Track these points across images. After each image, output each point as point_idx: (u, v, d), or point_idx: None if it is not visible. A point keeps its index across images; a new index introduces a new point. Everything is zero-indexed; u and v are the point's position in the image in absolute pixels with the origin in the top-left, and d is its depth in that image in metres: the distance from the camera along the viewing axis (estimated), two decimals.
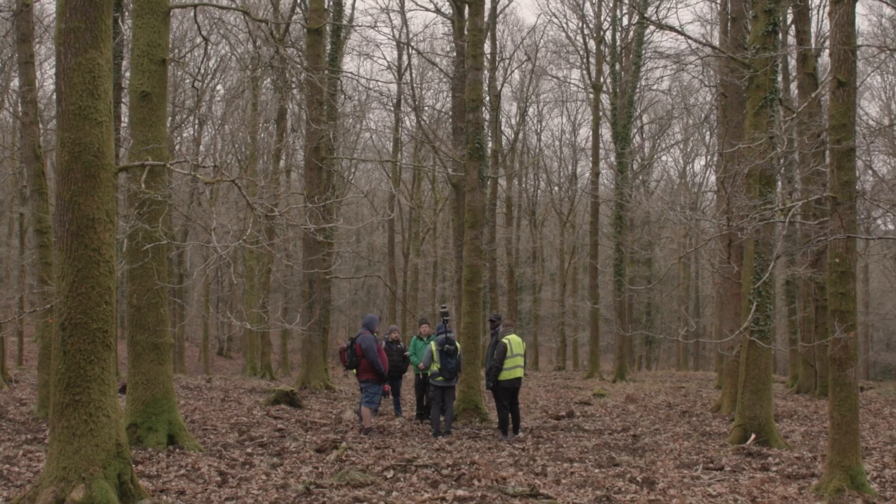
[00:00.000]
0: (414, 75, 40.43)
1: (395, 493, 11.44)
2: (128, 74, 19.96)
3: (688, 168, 44.96)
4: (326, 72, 25.71)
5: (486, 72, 35.80)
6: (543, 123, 67.11)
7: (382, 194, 49.52)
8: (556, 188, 50.06)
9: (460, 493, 11.74)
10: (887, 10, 39.96)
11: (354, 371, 17.97)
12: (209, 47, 37.20)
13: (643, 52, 37.53)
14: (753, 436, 16.32)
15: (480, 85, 20.07)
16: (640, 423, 19.99)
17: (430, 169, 40.01)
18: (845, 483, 11.94)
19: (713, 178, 40.31)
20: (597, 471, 13.60)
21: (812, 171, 14.12)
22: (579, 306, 47.30)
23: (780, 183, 19.11)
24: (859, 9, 71.38)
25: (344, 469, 12.87)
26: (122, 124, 21.60)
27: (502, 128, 43.72)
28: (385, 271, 45.52)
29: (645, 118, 44.21)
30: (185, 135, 41.13)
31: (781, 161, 16.74)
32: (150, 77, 14.80)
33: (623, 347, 36.97)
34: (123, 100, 23.29)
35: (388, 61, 49.98)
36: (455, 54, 31.84)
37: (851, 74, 11.90)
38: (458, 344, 17.87)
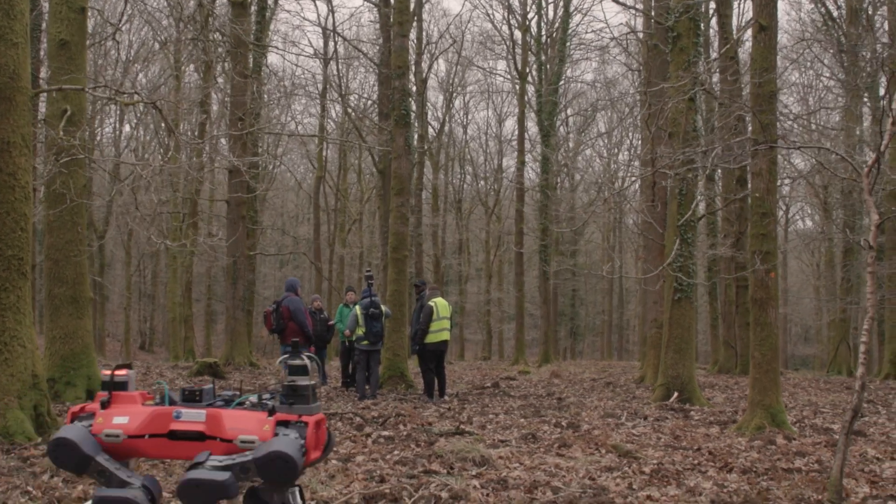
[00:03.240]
0: (340, 64, 40.21)
1: None
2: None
3: (612, 162, 45.22)
4: (251, 45, 25.45)
5: (412, 56, 35.83)
6: (470, 116, 67.23)
7: (308, 187, 49.16)
8: (483, 182, 50.21)
9: (386, 433, 11.67)
10: (807, 6, 40.78)
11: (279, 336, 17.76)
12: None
13: (568, 42, 37.81)
14: (676, 394, 16.50)
15: (406, 52, 20.03)
16: (565, 391, 20.07)
17: (356, 146, 39.78)
18: (766, 420, 12.12)
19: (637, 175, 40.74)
20: (522, 420, 13.65)
21: (735, 117, 14.35)
22: (505, 299, 47.48)
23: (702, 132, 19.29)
24: (780, 5, 72.64)
25: None
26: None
27: (428, 119, 43.73)
28: (308, 265, 45.20)
29: (570, 110, 44.61)
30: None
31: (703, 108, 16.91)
32: (69, 25, 14.50)
33: (548, 337, 37.13)
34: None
35: (314, 48, 49.55)
36: (382, 41, 31.79)
37: (772, 19, 12.09)
38: (383, 308, 17.75)
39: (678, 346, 16.70)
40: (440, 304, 17.35)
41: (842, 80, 32.80)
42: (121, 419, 4.99)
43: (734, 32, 30.36)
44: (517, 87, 39.77)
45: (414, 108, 38.30)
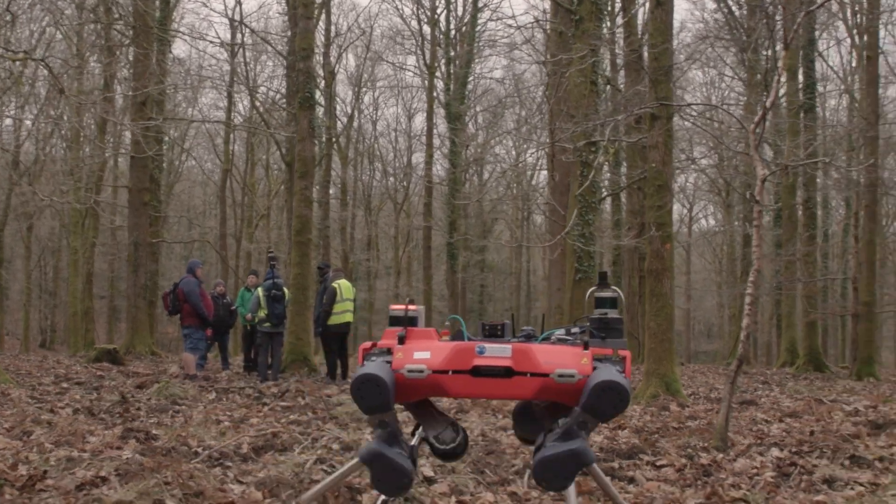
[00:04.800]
0: (248, 56, 39.79)
1: (216, 405, 11.17)
2: None
3: (520, 159, 45.52)
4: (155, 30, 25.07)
5: (320, 48, 35.64)
6: (379, 112, 67.10)
7: (216, 182, 48.52)
8: (392, 178, 50.17)
9: (284, 403, 11.58)
10: (710, 5, 41.55)
11: (179, 317, 17.45)
12: None
13: (477, 38, 38.03)
14: None
15: (311, 35, 19.95)
16: None
17: (264, 140, 39.39)
18: (660, 389, 12.32)
19: (545, 172, 41.06)
20: None
21: (633, 92, 14.54)
22: (414, 295, 47.45)
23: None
24: (681, 4, 73.99)
25: (163, 387, 12.49)
26: None
27: (338, 114, 43.55)
28: (216, 256, 44.63)
29: (479, 107, 44.78)
30: None
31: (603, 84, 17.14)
32: None
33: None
34: None
35: (220, 39, 48.92)
36: (290, 32, 31.56)
37: None
38: (285, 290, 17.59)
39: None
40: (343, 286, 17.25)
41: (743, 79, 33.58)
42: (422, 354, 4.68)
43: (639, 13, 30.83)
44: (426, 82, 39.82)
45: (323, 101, 38.21)
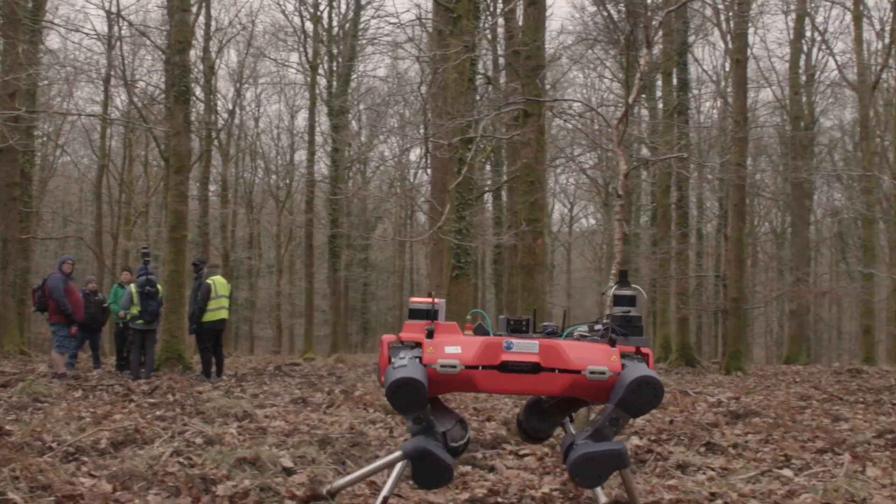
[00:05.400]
0: (125, 50, 38.89)
1: (80, 403, 10.91)
2: None
3: (402, 157, 45.55)
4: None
5: (199, 41, 35.09)
6: (262, 108, 66.18)
7: (92, 178, 47.31)
8: (275, 175, 49.64)
9: (152, 400, 11.37)
10: (589, 8, 42.10)
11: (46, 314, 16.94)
12: None
13: (359, 35, 37.96)
14: None
15: (188, 27, 19.65)
16: (348, 374, 20.07)
17: (142, 136, 38.54)
18: None
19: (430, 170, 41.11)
20: (297, 391, 13.56)
21: (511, 90, 14.69)
22: (296, 294, 47.05)
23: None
24: (564, 7, 75.04)
25: (27, 386, 12.13)
26: None
27: (219, 110, 42.90)
28: (92, 255, 43.52)
29: (363, 105, 44.64)
30: None
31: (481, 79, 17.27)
32: None
33: (337, 329, 37.13)
34: None
35: (97, 32, 47.77)
36: (169, 27, 30.98)
37: None
38: (159, 286, 17.25)
39: (456, 321, 16.94)
40: (218, 282, 17.04)
41: (620, 81, 34.21)
42: (453, 349, 4.68)
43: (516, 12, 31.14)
44: (309, 79, 39.53)
45: (203, 96, 37.64)
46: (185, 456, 6.54)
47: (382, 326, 54.27)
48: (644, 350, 4.89)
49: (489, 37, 28.19)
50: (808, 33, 34.02)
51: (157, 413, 9.74)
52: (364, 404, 10.90)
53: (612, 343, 4.79)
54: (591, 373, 4.63)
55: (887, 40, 30.19)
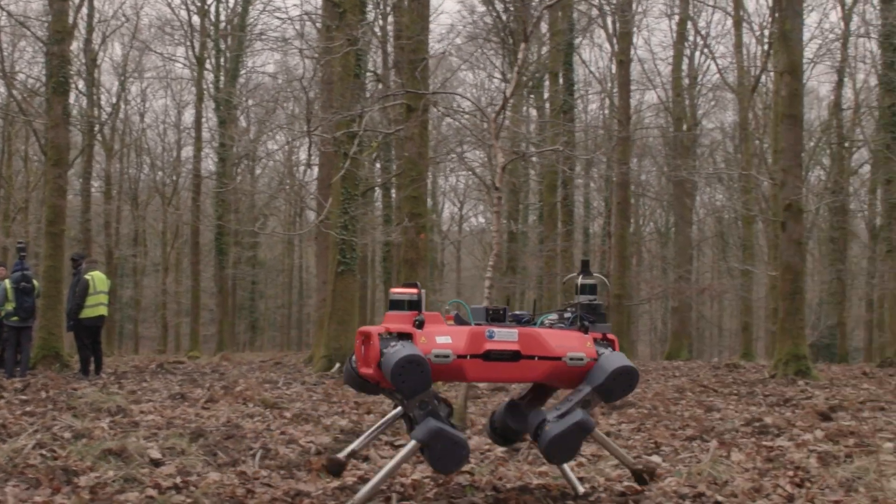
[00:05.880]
0: (5, 41, 37.73)
1: None
2: None
3: (293, 155, 45.15)
4: None
5: (82, 33, 34.27)
6: (147, 104, 64.87)
7: None
8: (161, 172, 48.68)
9: (24, 397, 11.07)
10: (479, 8, 42.32)
11: None
12: None
13: (248, 29, 37.52)
14: (338, 364, 16.65)
15: (66, 17, 19.19)
16: (231, 371, 19.83)
17: (21, 122, 37.39)
18: None
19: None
20: (178, 387, 13.36)
21: (398, 85, 14.70)
22: (182, 293, 46.27)
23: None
24: (453, 6, 75.26)
25: None
26: None
27: (103, 105, 41.91)
28: None
29: (252, 101, 44.10)
30: None
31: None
32: None
33: (224, 327, 36.66)
34: None
35: None
36: (51, 18, 30.16)
37: None
38: (35, 282, 16.76)
39: (341, 317, 16.90)
40: (97, 278, 16.61)
41: (507, 80, 34.50)
42: (444, 339, 4.78)
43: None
44: (196, 74, 38.91)
45: (85, 89, 36.73)
46: (49, 449, 6.38)
47: (271, 325, 53.80)
48: (609, 336, 5.15)
49: (379, 34, 28.25)
50: (691, 37, 34.76)
51: (27, 409, 9.47)
52: (244, 399, 10.79)
53: (585, 330, 5.05)
54: (571, 359, 4.88)
55: (766, 45, 31.07)
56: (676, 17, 32.55)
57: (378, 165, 33.54)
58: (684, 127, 32.37)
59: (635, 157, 33.06)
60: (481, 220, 55.49)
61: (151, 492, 5.10)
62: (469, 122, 26.02)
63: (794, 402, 11.62)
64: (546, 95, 32.44)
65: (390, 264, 33.97)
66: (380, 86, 24.98)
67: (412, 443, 4.81)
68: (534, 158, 25.35)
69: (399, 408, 5.12)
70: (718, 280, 41.81)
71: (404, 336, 4.80)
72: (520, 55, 8.16)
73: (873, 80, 32.88)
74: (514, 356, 4.83)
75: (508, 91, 8.18)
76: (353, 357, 5.19)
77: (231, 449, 6.85)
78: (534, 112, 33.92)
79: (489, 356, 4.80)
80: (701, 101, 37.75)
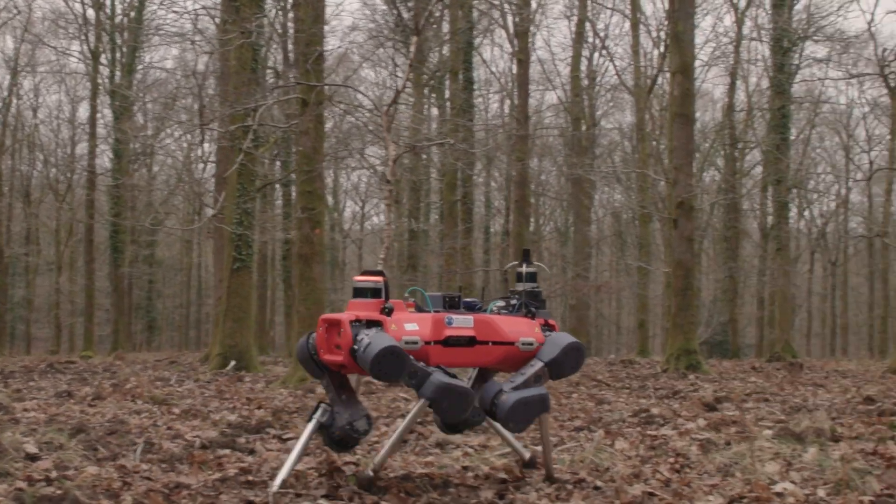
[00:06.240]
0: None
1: None
2: None
3: (192, 153, 44.40)
4: None
5: None
6: (40, 99, 63.22)
7: None
8: (54, 169, 47.47)
9: None
10: (381, 7, 42.12)
11: None
12: None
13: (145, 24, 36.85)
14: (234, 362, 16.48)
15: None
16: (123, 370, 19.47)
17: None
18: None
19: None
20: (65, 385, 13.07)
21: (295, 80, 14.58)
22: (77, 292, 45.22)
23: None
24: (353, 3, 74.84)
25: None
26: None
27: None
28: None
29: (149, 97, 43.27)
30: None
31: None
32: None
33: (119, 327, 35.94)
34: None
35: None
36: None
37: None
38: None
39: (237, 315, 16.72)
40: None
41: (411, 80, 34.48)
42: (411, 325, 4.94)
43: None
44: (91, 69, 38.06)
45: None
46: None
47: (169, 325, 52.98)
48: (550, 322, 5.38)
49: (280, 31, 27.94)
50: (590, 38, 35.14)
51: None
52: (132, 396, 10.60)
53: (532, 316, 5.30)
54: (523, 344, 5.15)
55: (662, 47, 31.63)
56: (575, 18, 32.89)
57: (278, 164, 33.25)
58: (583, 127, 32.79)
59: (535, 157, 33.35)
60: (382, 218, 55.57)
61: (21, 484, 4.97)
62: (368, 119, 26.05)
63: (682, 394, 11.87)
64: (447, 95, 32.53)
65: (290, 262, 33.71)
66: (279, 81, 24.77)
67: (420, 402, 4.97)
68: (434, 157, 25.42)
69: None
70: (616, 278, 42.51)
71: (373, 324, 4.90)
72: (411, 47, 8.17)
73: (765, 83, 33.75)
74: (471, 342, 5.05)
75: (400, 84, 8.17)
76: (311, 342, 5.20)
77: (113, 444, 6.72)
78: (435, 111, 33.97)
79: (448, 342, 5.00)
80: (599, 101, 38.26)
